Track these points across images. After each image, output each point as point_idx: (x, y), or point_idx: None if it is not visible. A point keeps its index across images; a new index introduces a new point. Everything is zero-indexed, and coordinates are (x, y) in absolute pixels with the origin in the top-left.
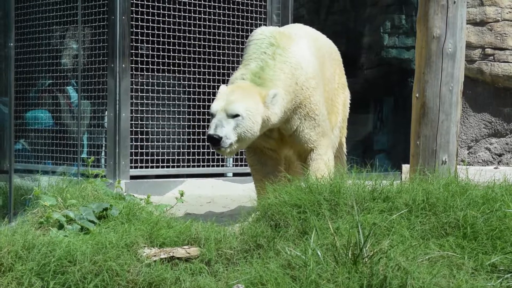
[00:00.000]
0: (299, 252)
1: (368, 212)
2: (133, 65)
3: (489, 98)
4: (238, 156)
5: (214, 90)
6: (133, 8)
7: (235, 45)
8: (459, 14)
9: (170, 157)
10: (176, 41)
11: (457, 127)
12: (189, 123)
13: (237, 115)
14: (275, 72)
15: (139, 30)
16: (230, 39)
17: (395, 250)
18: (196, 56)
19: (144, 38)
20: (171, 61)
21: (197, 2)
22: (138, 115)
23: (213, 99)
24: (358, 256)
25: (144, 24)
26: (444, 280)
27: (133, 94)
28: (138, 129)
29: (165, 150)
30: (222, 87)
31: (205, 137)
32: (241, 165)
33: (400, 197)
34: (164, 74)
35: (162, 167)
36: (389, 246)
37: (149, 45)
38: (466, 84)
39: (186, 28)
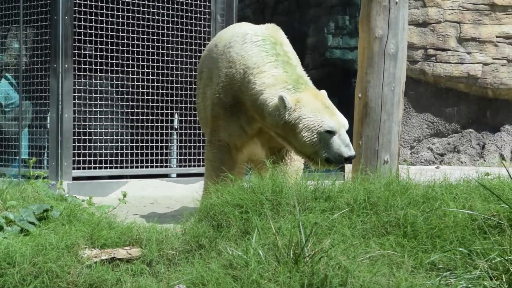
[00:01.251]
0: (240, 252)
1: (310, 211)
2: (76, 66)
3: (431, 99)
4: (182, 157)
5: (158, 91)
6: (76, 8)
7: (179, 46)
8: (401, 15)
9: (113, 158)
10: (119, 41)
11: (399, 127)
12: (132, 124)
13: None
14: (301, 71)
15: (82, 31)
16: (174, 39)
17: (336, 249)
18: (140, 56)
19: (87, 38)
20: (114, 61)
21: (140, 2)
22: (81, 115)
23: (157, 100)
24: (299, 255)
25: (87, 24)
26: (384, 278)
27: (76, 94)
28: (81, 130)
29: (108, 151)
30: (286, 95)
31: (343, 156)
32: (184, 166)
33: (341, 197)
34: (107, 75)
35: (105, 168)
36: (330, 245)
37: (92, 46)
38: (408, 85)
39: (130, 28)
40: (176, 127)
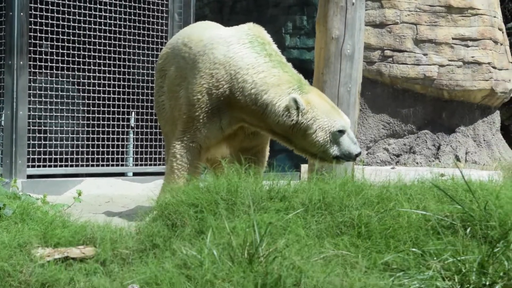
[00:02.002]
0: (195, 251)
1: (265, 211)
2: (31, 63)
3: (388, 99)
4: (138, 156)
5: (115, 89)
6: (32, 5)
7: (136, 44)
8: (357, 15)
9: (69, 156)
10: (76, 38)
11: (355, 127)
12: (88, 122)
13: None
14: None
15: (38, 27)
16: (132, 37)
17: (290, 249)
18: (97, 54)
19: (43, 35)
20: (70, 59)
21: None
22: (36, 113)
23: (113, 98)
24: (253, 255)
25: (44, 21)
26: (337, 278)
27: (31, 92)
28: (36, 128)
29: (63, 149)
30: (299, 97)
31: (353, 153)
32: (141, 165)
33: (296, 197)
34: (63, 72)
35: (60, 166)
36: (284, 245)
37: (48, 43)
38: (365, 85)
39: (87, 26)
40: (133, 125)
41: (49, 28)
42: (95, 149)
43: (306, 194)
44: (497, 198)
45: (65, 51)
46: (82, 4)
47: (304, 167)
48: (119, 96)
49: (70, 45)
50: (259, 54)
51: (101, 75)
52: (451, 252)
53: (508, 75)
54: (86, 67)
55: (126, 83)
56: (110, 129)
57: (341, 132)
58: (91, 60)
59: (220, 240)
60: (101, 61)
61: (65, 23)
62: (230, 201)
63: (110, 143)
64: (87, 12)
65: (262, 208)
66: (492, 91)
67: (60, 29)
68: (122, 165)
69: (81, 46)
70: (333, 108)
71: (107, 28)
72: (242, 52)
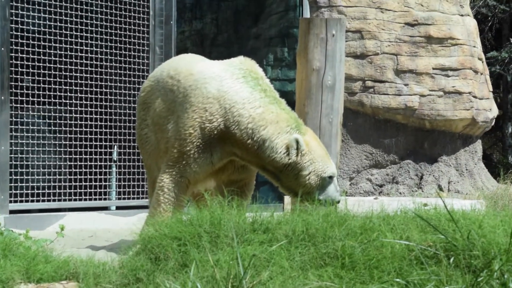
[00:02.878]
0: (178, 285)
1: (249, 243)
2: (13, 98)
3: (370, 130)
4: (121, 189)
5: (97, 123)
6: (13, 40)
7: (118, 77)
8: (338, 47)
9: (51, 191)
10: (57, 73)
11: (337, 158)
12: (71, 156)
13: None
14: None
15: (19, 62)
16: (113, 71)
17: (274, 281)
18: (79, 88)
19: (25, 70)
20: (52, 93)
21: (78, 34)
22: (18, 148)
23: (95, 132)
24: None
25: (25, 56)
26: None
27: (13, 127)
28: (18, 163)
29: (45, 184)
30: (301, 138)
31: (335, 200)
32: (124, 198)
33: (280, 228)
34: (45, 107)
35: (43, 201)
36: (268, 277)
37: (30, 78)
38: (347, 116)
39: (68, 60)
40: (115, 159)
41: (30, 63)
42: (77, 184)
43: (290, 226)
44: (480, 227)
45: (46, 86)
46: (63, 38)
47: (287, 199)
48: (101, 130)
49: (52, 79)
50: (253, 89)
51: (83, 109)
52: (435, 282)
53: (489, 104)
54: (68, 101)
55: (108, 117)
56: (93, 163)
57: (330, 178)
58: (72, 94)
59: (204, 273)
60: (83, 95)
61: (47, 57)
62: (213, 233)
63: (92, 177)
64: (68, 46)
65: (245, 241)
66: (473, 120)
67: (41, 64)
68: (105, 199)
69: (62, 80)
70: (326, 154)
71: (88, 62)
72: (236, 87)
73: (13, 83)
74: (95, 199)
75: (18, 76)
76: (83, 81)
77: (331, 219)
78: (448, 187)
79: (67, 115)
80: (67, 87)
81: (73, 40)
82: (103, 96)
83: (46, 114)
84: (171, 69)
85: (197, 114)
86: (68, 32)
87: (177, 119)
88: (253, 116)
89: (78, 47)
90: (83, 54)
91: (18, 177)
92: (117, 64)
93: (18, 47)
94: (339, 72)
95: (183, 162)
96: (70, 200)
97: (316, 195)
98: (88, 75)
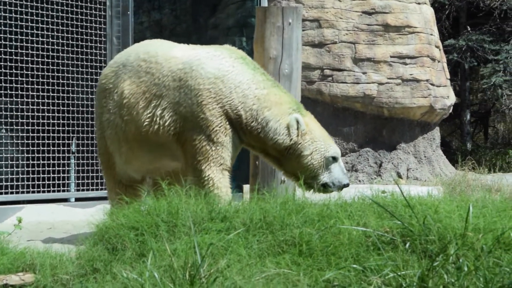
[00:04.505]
0: (135, 274)
1: (206, 232)
2: None
3: (329, 118)
4: (80, 181)
5: (54, 114)
6: None
7: (75, 68)
8: (294, 35)
9: (9, 183)
10: (14, 64)
11: None
12: (28, 148)
13: None
14: None
15: None
16: (70, 62)
17: (231, 269)
18: (35, 80)
19: None
20: (8, 85)
21: (34, 25)
22: None
23: (53, 123)
24: (195, 276)
25: None
26: None
27: None
28: None
29: (3, 176)
30: (300, 117)
31: (342, 183)
32: (83, 190)
33: (238, 217)
34: (1, 99)
35: (0, 193)
36: (226, 265)
37: None
38: (306, 105)
39: (24, 51)
40: (74, 150)
41: None
42: (36, 176)
43: (247, 214)
44: (436, 212)
45: (2, 78)
46: (19, 30)
47: (246, 188)
48: (59, 122)
49: (8, 71)
50: (254, 71)
51: (41, 100)
52: (391, 267)
53: (446, 91)
54: (24, 93)
55: (66, 108)
56: (51, 155)
57: (334, 159)
58: (29, 86)
59: (161, 263)
60: (40, 87)
61: (2, 49)
62: (171, 223)
63: (51, 169)
64: (24, 37)
65: (203, 229)
66: (431, 107)
67: None
68: (63, 191)
69: (19, 72)
70: (327, 135)
71: (45, 53)
72: (238, 67)
73: None
74: (54, 191)
75: None
76: (40, 73)
77: (289, 206)
78: (407, 174)
79: (24, 106)
80: (24, 79)
81: (29, 31)
82: (60, 88)
83: (2, 106)
84: (141, 53)
85: (201, 98)
86: (24, 24)
87: (177, 107)
88: (258, 97)
89: (35, 38)
90: (40, 45)
91: None
92: (75, 55)
93: None
94: (296, 61)
95: (213, 149)
96: (28, 192)
97: (321, 178)
98: (45, 66)
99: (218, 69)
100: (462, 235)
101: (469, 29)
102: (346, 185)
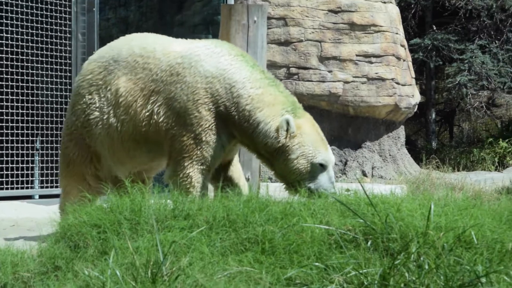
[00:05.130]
0: (97, 272)
1: (169, 230)
2: None
3: None
4: (44, 178)
5: (18, 111)
6: None
7: (39, 65)
8: (259, 33)
9: None
10: None
11: None
12: None
13: None
14: None
15: None
16: (35, 58)
17: (193, 267)
18: None
19: None
20: None
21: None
22: None
23: (17, 120)
24: (157, 274)
25: None
26: None
27: None
28: None
29: None
30: (292, 119)
31: (327, 192)
32: (47, 187)
33: (201, 215)
34: None
35: None
36: (188, 263)
37: None
38: None
39: None
40: (38, 147)
41: None
42: None
43: (210, 212)
44: (398, 211)
45: None
46: None
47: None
48: (23, 118)
49: None
50: (253, 68)
51: (4, 97)
52: (353, 265)
53: (411, 90)
54: None
55: (30, 105)
56: (15, 152)
57: (322, 166)
58: None
59: (123, 260)
60: (4, 83)
61: None
62: (133, 220)
63: (15, 165)
64: None
65: (166, 227)
66: (396, 106)
67: None
68: (27, 188)
69: None
70: (321, 140)
71: (9, 49)
72: (236, 65)
73: None
74: (18, 188)
75: None
76: (4, 69)
77: (252, 204)
78: (372, 173)
79: None
80: None
81: None
82: (25, 84)
83: None
84: (136, 48)
85: (197, 96)
86: None
87: (171, 103)
88: (252, 97)
89: None
90: (4, 41)
91: None
92: (39, 52)
93: None
94: (261, 58)
95: (198, 148)
96: None
97: (306, 184)
98: (9, 63)
99: (216, 67)
100: (424, 233)
101: (434, 28)
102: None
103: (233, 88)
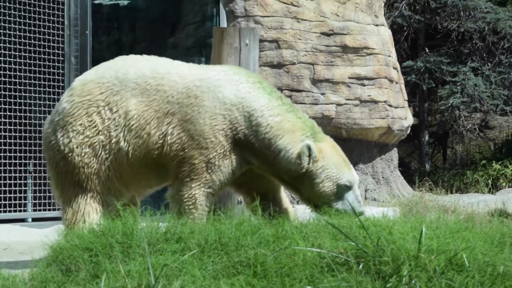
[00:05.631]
0: None
1: (161, 253)
2: None
3: None
4: (37, 201)
5: (11, 134)
6: None
7: (32, 88)
8: (251, 56)
9: None
10: None
11: None
12: None
13: None
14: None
15: None
16: (28, 81)
17: None
18: None
19: None
20: None
21: None
22: None
23: (10, 143)
24: None
25: None
26: None
27: None
28: None
29: None
30: (312, 144)
31: (356, 211)
32: (39, 210)
33: (193, 237)
34: None
35: None
36: (180, 286)
37: None
38: None
39: None
40: (31, 170)
41: None
42: None
43: (202, 235)
44: (390, 233)
45: None
46: None
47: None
48: (16, 141)
49: None
50: (270, 95)
51: None
52: None
53: (404, 113)
54: None
55: (23, 128)
56: (7, 175)
57: (348, 187)
58: None
59: (115, 284)
60: None
61: None
62: (125, 244)
63: (7, 188)
64: None
65: (158, 250)
66: (389, 129)
67: None
68: (20, 211)
69: None
70: (344, 161)
71: (2, 72)
72: (254, 92)
73: None
74: (11, 211)
75: None
76: None
77: (244, 227)
78: (365, 195)
79: None
80: None
81: None
82: (18, 107)
83: None
84: (146, 70)
85: (215, 121)
86: None
87: (186, 125)
88: (271, 125)
89: None
90: None
91: None
92: (32, 75)
93: None
94: None
95: (209, 171)
96: None
97: (334, 206)
98: (2, 86)
99: (235, 95)
100: (415, 256)
101: (427, 50)
102: (360, 213)
103: (251, 117)
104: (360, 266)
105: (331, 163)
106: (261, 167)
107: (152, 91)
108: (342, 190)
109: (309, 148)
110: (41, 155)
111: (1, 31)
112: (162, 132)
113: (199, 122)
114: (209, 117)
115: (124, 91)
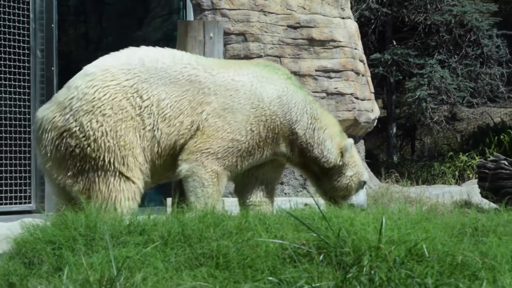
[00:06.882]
0: None
1: (124, 246)
2: None
3: None
4: (3, 195)
5: None
6: None
7: None
8: (216, 49)
9: None
10: None
11: None
12: None
13: None
14: None
15: None
16: None
17: (147, 283)
18: None
19: None
20: None
21: None
22: None
23: None
24: None
25: None
26: None
27: None
28: None
29: None
30: (353, 142)
31: (363, 207)
32: (5, 203)
33: (156, 230)
34: None
35: None
36: (142, 278)
37: None
38: None
39: None
40: None
41: None
42: None
43: (165, 227)
44: (352, 225)
45: None
46: None
47: (169, 201)
48: None
49: None
50: (302, 90)
51: None
52: (306, 279)
53: (371, 105)
54: None
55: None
56: None
57: (364, 183)
58: None
59: (78, 277)
60: None
61: None
62: (88, 236)
63: None
64: None
65: (121, 243)
66: (356, 121)
67: None
68: None
69: None
70: (361, 160)
71: None
72: (291, 87)
73: None
74: None
75: None
76: None
77: (207, 219)
78: None
79: None
80: None
81: None
82: None
83: None
84: (178, 60)
85: (258, 113)
86: None
87: (223, 113)
88: (314, 116)
89: None
90: None
91: None
92: None
93: None
94: None
95: (235, 156)
96: None
97: (350, 200)
98: None
99: (276, 89)
100: (376, 247)
101: (394, 43)
102: (365, 209)
103: (291, 111)
104: (322, 257)
105: (358, 159)
106: (290, 158)
107: (185, 82)
108: (360, 186)
109: (351, 145)
110: (6, 148)
111: None
112: (194, 120)
113: (241, 112)
114: (250, 108)
115: (153, 79)
